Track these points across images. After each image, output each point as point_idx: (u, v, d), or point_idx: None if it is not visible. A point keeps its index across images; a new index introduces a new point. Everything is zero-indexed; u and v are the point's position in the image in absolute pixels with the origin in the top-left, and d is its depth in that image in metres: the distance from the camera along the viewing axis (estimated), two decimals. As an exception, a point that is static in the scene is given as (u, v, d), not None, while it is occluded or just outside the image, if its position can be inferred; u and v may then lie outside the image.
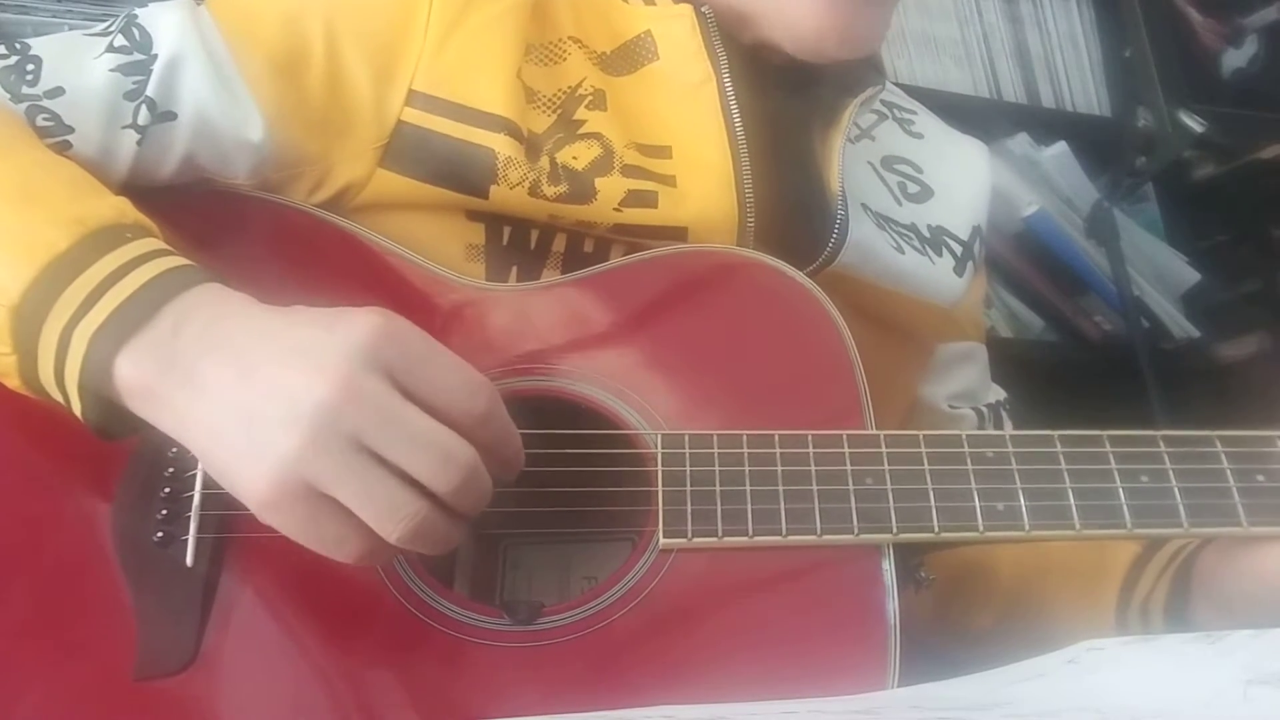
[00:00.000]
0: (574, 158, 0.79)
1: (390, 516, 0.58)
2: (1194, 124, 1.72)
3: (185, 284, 0.63)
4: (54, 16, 1.31)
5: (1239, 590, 0.73)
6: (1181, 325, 1.80)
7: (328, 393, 0.57)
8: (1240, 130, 1.75)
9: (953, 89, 1.72)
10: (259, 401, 0.59)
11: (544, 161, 0.78)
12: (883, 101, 0.98)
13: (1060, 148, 1.76)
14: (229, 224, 0.79)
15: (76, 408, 0.63)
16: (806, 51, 0.84)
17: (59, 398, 0.63)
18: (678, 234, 0.80)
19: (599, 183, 0.79)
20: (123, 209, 0.67)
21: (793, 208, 0.84)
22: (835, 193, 0.85)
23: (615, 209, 0.79)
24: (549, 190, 0.78)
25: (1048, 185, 1.75)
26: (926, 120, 1.03)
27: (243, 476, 0.59)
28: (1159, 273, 1.81)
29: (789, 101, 0.88)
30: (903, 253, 0.89)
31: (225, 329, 0.61)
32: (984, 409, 0.97)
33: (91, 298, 0.61)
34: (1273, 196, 1.80)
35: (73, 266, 0.62)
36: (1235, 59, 1.87)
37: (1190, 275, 1.81)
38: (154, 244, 0.65)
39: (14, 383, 0.65)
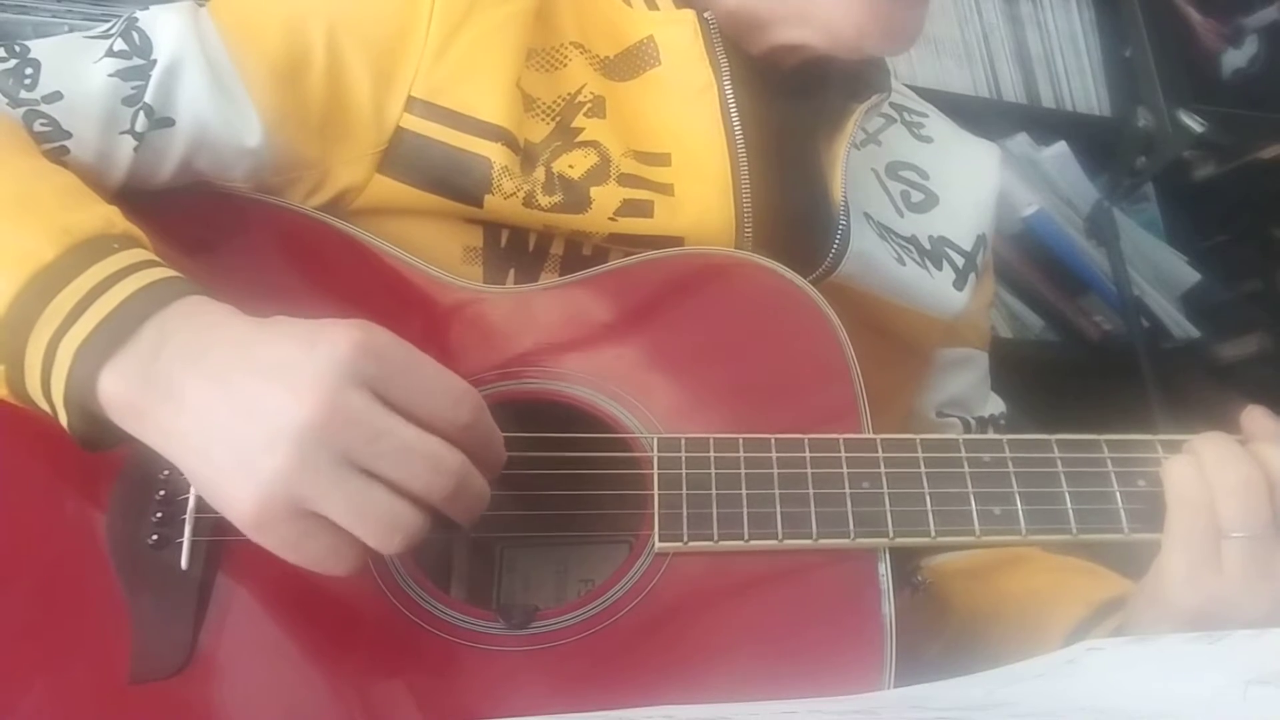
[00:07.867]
0: (570, 166, 0.79)
1: (389, 530, 0.59)
2: (1194, 124, 1.71)
3: (170, 297, 0.62)
4: (54, 16, 1.31)
5: None
6: (1181, 325, 1.80)
7: (309, 413, 0.57)
8: (1240, 130, 1.75)
9: (952, 89, 1.71)
10: (241, 422, 0.58)
11: (539, 172, 0.78)
12: (892, 105, 0.96)
13: (1060, 148, 1.75)
14: (227, 225, 0.78)
15: (63, 420, 0.62)
16: (846, 49, 0.82)
17: (46, 409, 0.63)
18: (673, 244, 0.79)
19: (594, 192, 0.78)
20: (111, 219, 0.66)
21: (793, 217, 0.83)
22: (838, 202, 0.84)
23: (610, 218, 0.78)
24: (544, 200, 0.77)
25: (1048, 185, 1.75)
26: (937, 123, 1.01)
27: (231, 498, 0.59)
28: (1159, 273, 1.81)
29: (793, 109, 0.87)
30: (903, 264, 0.88)
31: (206, 344, 0.61)
32: (972, 420, 0.96)
33: (76, 311, 0.61)
34: (1273, 196, 1.80)
35: (59, 278, 0.62)
36: (1235, 59, 1.86)
37: (1190, 275, 1.81)
38: (140, 255, 0.65)
39: (3, 392, 0.65)
